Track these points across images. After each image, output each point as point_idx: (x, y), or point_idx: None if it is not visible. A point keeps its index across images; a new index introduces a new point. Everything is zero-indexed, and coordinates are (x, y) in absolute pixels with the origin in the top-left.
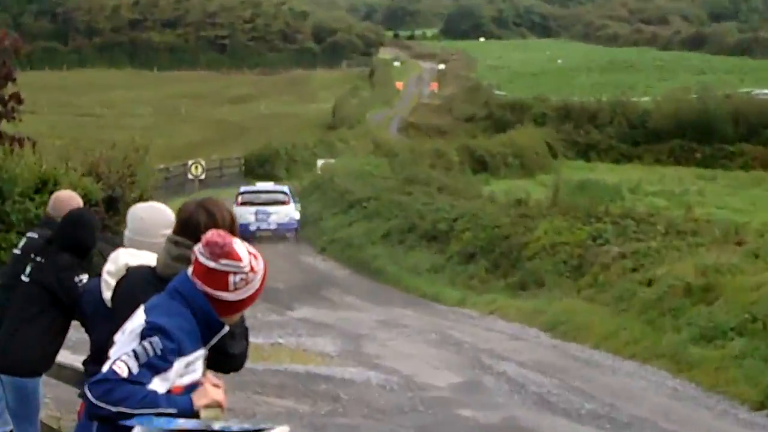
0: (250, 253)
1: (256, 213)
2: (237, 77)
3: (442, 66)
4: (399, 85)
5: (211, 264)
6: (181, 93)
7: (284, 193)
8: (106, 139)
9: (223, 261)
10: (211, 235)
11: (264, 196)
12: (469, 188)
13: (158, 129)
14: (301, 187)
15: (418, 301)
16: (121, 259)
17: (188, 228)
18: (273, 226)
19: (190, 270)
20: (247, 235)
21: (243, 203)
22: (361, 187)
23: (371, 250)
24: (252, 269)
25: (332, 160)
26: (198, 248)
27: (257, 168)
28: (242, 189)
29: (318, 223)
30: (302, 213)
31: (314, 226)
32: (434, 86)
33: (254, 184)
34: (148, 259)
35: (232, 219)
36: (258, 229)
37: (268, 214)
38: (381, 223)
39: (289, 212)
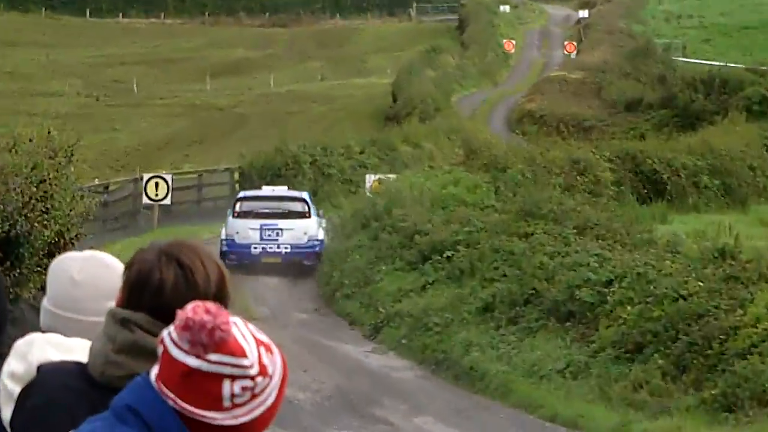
0: (258, 342)
1: (261, 229)
2: (227, 31)
3: (584, 13)
4: (509, 45)
5: (194, 362)
6: (131, 56)
7: (302, 200)
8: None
9: (214, 357)
10: (193, 311)
11: (273, 205)
12: (632, 228)
13: (91, 117)
14: (338, 220)
15: (543, 427)
16: (35, 352)
17: (145, 295)
18: (285, 249)
19: (153, 371)
20: (246, 260)
21: (242, 214)
22: (442, 224)
23: (460, 336)
24: (262, 371)
25: (392, 176)
26: (169, 334)
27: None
28: (242, 194)
29: (367, 285)
30: (335, 249)
31: (360, 291)
32: (570, 48)
33: (260, 189)
34: (80, 350)
35: (222, 277)
36: (263, 252)
37: (279, 230)
38: (477, 287)
39: (309, 228)
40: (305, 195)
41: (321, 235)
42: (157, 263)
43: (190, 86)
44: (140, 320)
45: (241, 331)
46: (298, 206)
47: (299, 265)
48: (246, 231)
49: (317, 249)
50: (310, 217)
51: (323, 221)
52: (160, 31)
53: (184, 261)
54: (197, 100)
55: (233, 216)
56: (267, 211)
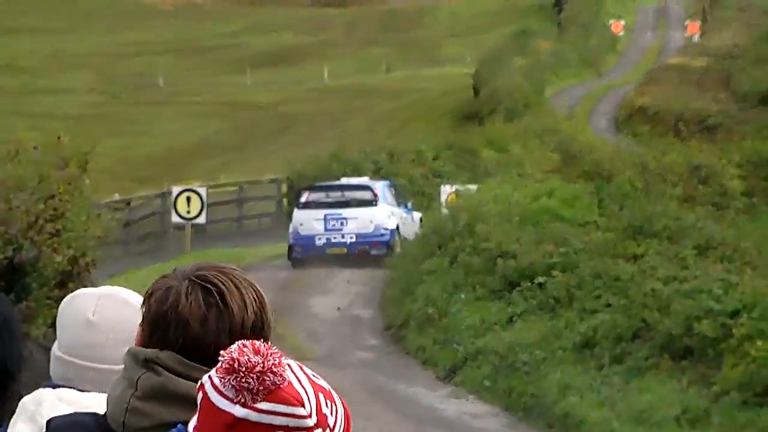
0: (317, 387)
1: (325, 219)
2: (271, 12)
3: None
4: (617, 27)
5: (240, 411)
6: (155, 44)
7: (368, 188)
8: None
9: (265, 405)
10: (239, 351)
11: (337, 194)
12: (765, 248)
13: (107, 119)
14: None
15: None
16: (45, 412)
17: (170, 329)
18: (350, 239)
19: (191, 423)
20: (312, 252)
21: (307, 205)
22: (533, 244)
23: (554, 377)
24: (321, 422)
25: (473, 187)
26: (210, 378)
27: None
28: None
29: (442, 317)
30: (404, 273)
31: (434, 324)
32: (693, 29)
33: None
34: (98, 407)
35: (262, 304)
36: (327, 243)
37: (343, 220)
38: (575, 320)
39: (376, 217)
40: (372, 183)
41: (391, 224)
42: (182, 291)
43: (227, 80)
44: (167, 360)
45: (297, 375)
46: (363, 194)
47: (365, 255)
48: (310, 222)
49: (386, 238)
50: (377, 205)
51: (399, 210)
52: (190, 13)
53: (215, 287)
54: (236, 96)
55: (298, 207)
56: (331, 200)
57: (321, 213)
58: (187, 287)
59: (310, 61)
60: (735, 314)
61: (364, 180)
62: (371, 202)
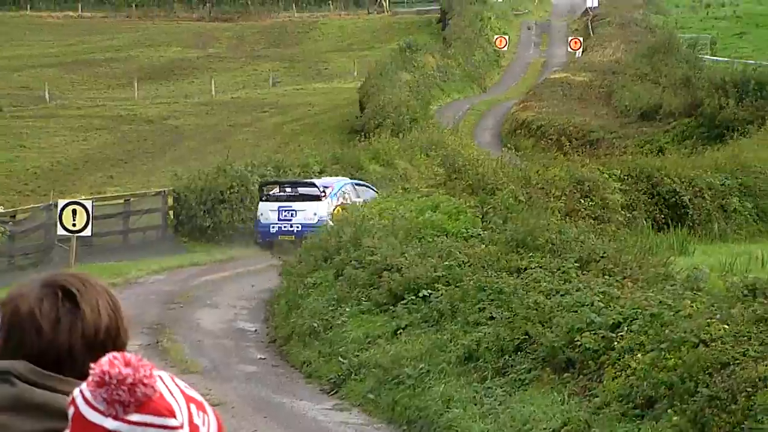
0: (188, 398)
1: (279, 210)
2: (159, 26)
3: (593, 2)
4: (501, 42)
5: (112, 424)
6: (41, 57)
7: (314, 185)
8: None
9: (136, 417)
10: (110, 363)
11: (291, 191)
12: (645, 261)
13: None
14: (294, 253)
15: None
16: None
17: (26, 338)
18: (297, 228)
19: None
20: (268, 238)
21: (267, 198)
22: (418, 258)
23: (437, 390)
24: None
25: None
26: (81, 392)
27: (200, 216)
28: (263, 180)
29: (327, 330)
30: (289, 287)
31: (319, 338)
32: (575, 45)
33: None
34: None
35: (116, 309)
36: (280, 230)
37: (293, 211)
38: (458, 333)
39: (320, 210)
40: (317, 181)
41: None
42: (35, 296)
43: (114, 93)
44: (21, 370)
45: (168, 386)
46: (311, 191)
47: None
48: (267, 213)
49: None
50: (321, 200)
51: (338, 200)
52: (77, 27)
53: (67, 291)
54: (122, 110)
55: (261, 200)
56: (285, 195)
57: (276, 205)
58: (40, 293)
59: (197, 75)
60: (616, 327)
61: (313, 179)
62: (317, 197)
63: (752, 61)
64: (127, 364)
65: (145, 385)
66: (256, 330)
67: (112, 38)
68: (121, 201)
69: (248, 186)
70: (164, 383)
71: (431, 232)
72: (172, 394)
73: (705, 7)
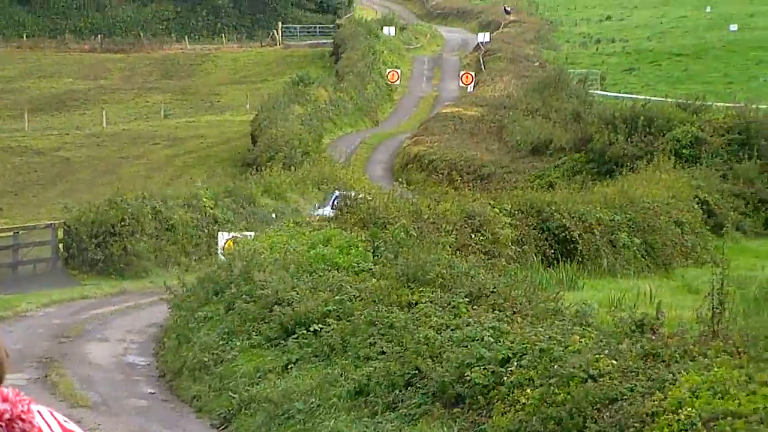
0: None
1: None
2: (50, 57)
3: (484, 37)
4: (393, 76)
5: None
6: None
7: None
8: None
9: None
10: None
11: None
12: (535, 296)
13: None
14: (182, 287)
15: None
16: None
17: None
18: None
19: None
20: None
21: None
22: (309, 292)
23: (328, 424)
24: None
25: (250, 234)
26: None
27: (91, 249)
28: None
29: (218, 364)
30: (179, 320)
31: (209, 372)
32: (467, 79)
33: None
34: None
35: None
36: None
37: None
38: (349, 367)
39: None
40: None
41: None
42: None
43: (5, 125)
44: None
45: (47, 420)
46: None
47: None
48: None
49: None
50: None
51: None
52: None
53: None
54: (12, 141)
55: None
56: None
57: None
58: None
59: (88, 107)
60: (505, 362)
61: None
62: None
63: (642, 97)
64: (5, 399)
65: (23, 420)
66: (146, 364)
67: (3, 69)
68: (10, 233)
69: (139, 218)
70: (43, 418)
71: (322, 266)
72: (50, 429)
73: (595, 42)
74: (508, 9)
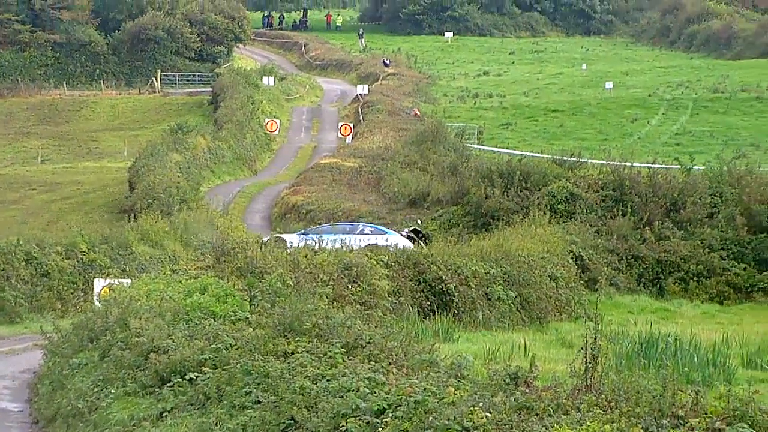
0: None
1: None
2: None
3: (363, 89)
4: (272, 126)
5: None
6: None
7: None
8: None
9: None
10: None
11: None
12: (411, 348)
13: None
14: (57, 333)
15: None
16: None
17: None
18: None
19: None
20: None
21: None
22: (185, 340)
23: None
24: None
25: (126, 282)
26: None
27: None
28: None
29: (92, 412)
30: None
31: (83, 420)
32: (346, 131)
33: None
34: None
35: None
36: None
37: None
38: (224, 416)
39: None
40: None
41: None
42: None
43: None
44: None
45: None
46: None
47: None
48: None
49: None
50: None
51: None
52: None
53: None
54: None
55: None
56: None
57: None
58: None
59: None
60: (381, 413)
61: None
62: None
63: (518, 152)
64: None
65: None
66: (19, 410)
67: None
68: None
69: (13, 263)
70: None
71: (199, 314)
72: None
73: (473, 97)
74: (387, 62)
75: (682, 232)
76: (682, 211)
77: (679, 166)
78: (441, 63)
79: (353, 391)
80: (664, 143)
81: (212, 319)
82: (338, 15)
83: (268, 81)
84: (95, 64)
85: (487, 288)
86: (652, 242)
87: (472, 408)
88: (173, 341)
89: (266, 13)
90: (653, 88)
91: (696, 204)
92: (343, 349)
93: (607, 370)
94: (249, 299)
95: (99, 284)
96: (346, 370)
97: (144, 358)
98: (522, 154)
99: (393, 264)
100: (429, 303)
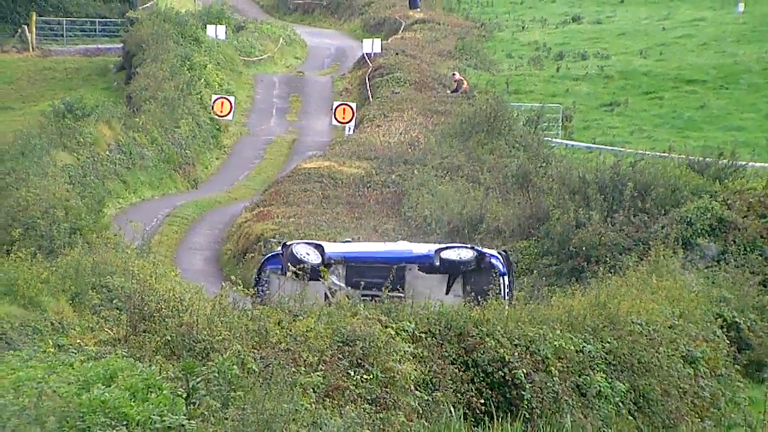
0: None
1: None
2: None
3: (373, 47)
4: (223, 107)
5: None
6: None
7: None
8: None
9: None
10: None
11: None
12: None
13: None
14: None
15: None
16: None
17: None
18: None
19: None
20: None
21: None
22: None
23: None
24: None
25: None
26: None
27: None
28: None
29: None
30: None
31: None
32: (345, 116)
33: None
34: None
35: None
36: None
37: None
38: None
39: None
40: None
41: None
42: None
43: None
44: None
45: None
46: None
47: None
48: None
49: None
50: None
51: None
52: None
53: None
54: None
55: None
56: None
57: None
58: None
59: None
60: None
61: None
62: None
63: (631, 150)
64: None
65: None
66: None
67: None
68: None
69: None
70: None
71: (102, 419)
72: None
73: (555, 59)
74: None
75: None
76: None
77: None
78: (502, 3)
79: None
80: None
81: (125, 428)
82: None
83: (215, 32)
84: None
85: (580, 377)
86: None
87: None
88: None
89: None
90: None
91: None
92: None
93: None
94: (186, 395)
95: None
96: None
97: None
98: (638, 154)
99: (424, 336)
100: (483, 401)
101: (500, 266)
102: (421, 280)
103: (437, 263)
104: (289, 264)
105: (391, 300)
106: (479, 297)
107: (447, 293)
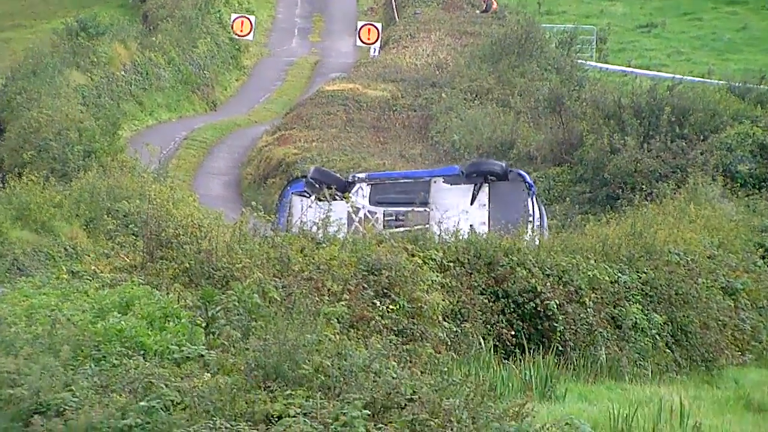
0: None
1: None
2: None
3: None
4: (243, 26)
5: None
6: None
7: None
8: None
9: None
10: None
11: None
12: (482, 411)
13: None
14: None
15: None
16: None
17: None
18: None
19: None
20: None
21: None
22: (95, 396)
23: None
24: None
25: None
26: None
27: None
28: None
29: None
30: None
31: None
32: (370, 36)
33: None
34: None
35: None
36: None
37: None
38: None
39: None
40: None
41: None
42: None
43: None
44: None
45: None
46: None
47: None
48: None
49: None
50: None
51: None
52: None
53: None
54: None
55: None
56: None
57: None
58: None
59: None
60: None
61: None
62: None
63: (667, 74)
64: None
65: None
66: None
67: None
68: None
69: None
70: None
71: (118, 349)
72: None
73: None
74: None
75: None
76: None
77: None
78: None
79: None
80: None
81: (141, 358)
82: None
83: None
84: None
85: (615, 308)
86: None
87: None
88: (74, 395)
89: None
90: None
91: None
92: (366, 411)
93: None
94: (205, 324)
95: None
96: None
97: (23, 423)
98: (675, 78)
99: (452, 264)
100: (514, 333)
101: (528, 179)
102: (446, 192)
103: (462, 173)
104: (315, 181)
105: (414, 216)
106: (508, 210)
107: (472, 203)
